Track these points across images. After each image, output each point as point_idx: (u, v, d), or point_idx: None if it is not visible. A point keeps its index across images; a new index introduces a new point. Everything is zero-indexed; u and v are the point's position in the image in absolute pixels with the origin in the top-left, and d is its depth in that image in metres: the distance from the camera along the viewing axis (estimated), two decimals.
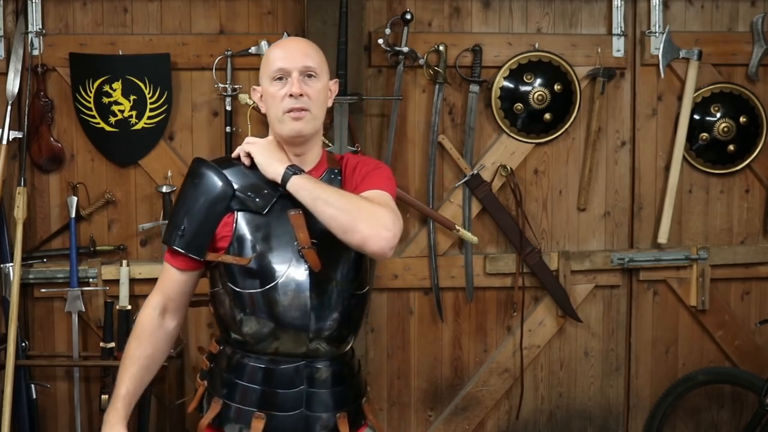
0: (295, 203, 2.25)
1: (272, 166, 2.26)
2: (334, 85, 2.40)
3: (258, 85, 2.38)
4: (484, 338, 4.24)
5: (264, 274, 2.26)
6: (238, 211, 2.27)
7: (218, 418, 2.31)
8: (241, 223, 2.27)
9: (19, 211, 3.79)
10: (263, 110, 2.36)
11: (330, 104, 2.38)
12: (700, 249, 4.24)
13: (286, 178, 2.23)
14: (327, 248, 2.26)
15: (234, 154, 2.37)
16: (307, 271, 2.26)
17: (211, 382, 2.37)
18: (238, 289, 2.27)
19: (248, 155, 2.31)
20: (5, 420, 3.63)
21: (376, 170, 2.38)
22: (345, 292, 2.32)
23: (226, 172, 2.31)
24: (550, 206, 4.22)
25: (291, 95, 2.26)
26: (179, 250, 2.29)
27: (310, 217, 2.24)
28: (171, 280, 2.35)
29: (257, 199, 2.28)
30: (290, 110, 2.26)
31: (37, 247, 3.96)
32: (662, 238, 4.19)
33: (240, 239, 2.27)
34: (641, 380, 4.32)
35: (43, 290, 3.91)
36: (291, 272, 2.25)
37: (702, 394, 4.33)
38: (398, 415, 4.22)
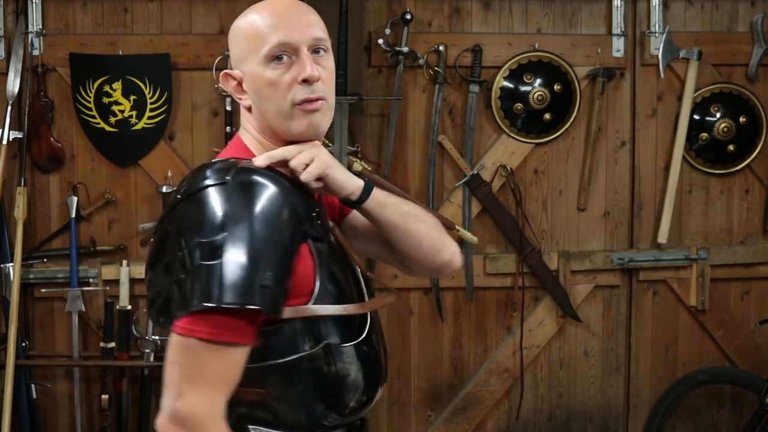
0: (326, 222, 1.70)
1: (349, 178, 1.68)
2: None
3: (230, 68, 1.74)
4: (484, 338, 4.24)
5: (355, 316, 1.67)
6: (313, 240, 1.61)
7: None
8: (318, 256, 1.61)
9: (19, 211, 3.79)
10: (245, 103, 1.70)
11: None
12: (700, 249, 4.24)
13: (366, 194, 1.69)
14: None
15: (261, 162, 1.62)
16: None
17: None
18: (344, 345, 1.62)
19: (318, 177, 1.64)
20: (5, 420, 3.63)
21: None
22: None
23: (287, 181, 1.61)
24: (550, 206, 4.22)
25: (305, 80, 1.62)
26: (266, 312, 1.50)
27: None
28: (237, 365, 1.52)
29: (319, 221, 1.64)
30: (303, 101, 1.62)
31: (37, 247, 3.96)
32: (662, 238, 4.19)
33: (328, 278, 1.62)
34: (641, 380, 4.32)
35: (43, 290, 3.91)
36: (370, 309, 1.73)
37: (702, 394, 4.33)
38: (398, 415, 4.22)
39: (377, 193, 1.70)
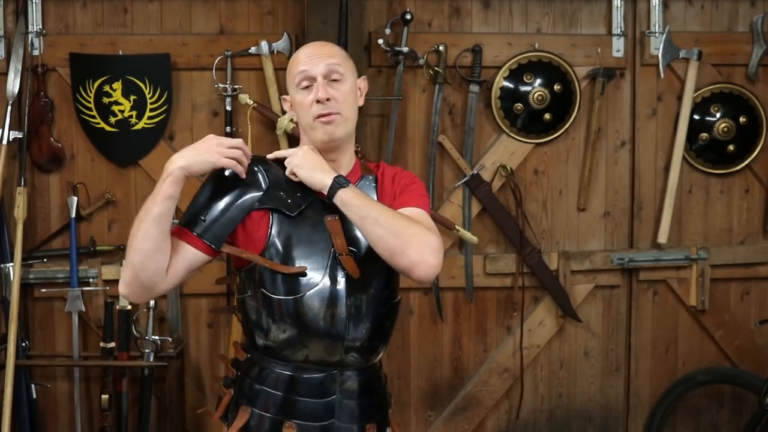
0: (331, 208, 2.18)
1: (317, 177, 2.18)
2: (363, 83, 2.35)
3: (287, 94, 2.33)
4: (484, 338, 4.24)
5: (300, 280, 2.18)
6: (273, 212, 2.20)
7: (245, 428, 2.22)
8: (276, 225, 2.19)
9: (20, 211, 3.79)
10: (295, 119, 2.31)
11: (361, 103, 2.32)
12: (700, 249, 4.24)
13: (332, 192, 2.15)
14: (362, 255, 2.21)
15: (271, 156, 2.28)
16: (344, 279, 2.20)
17: (238, 391, 2.27)
18: (272, 296, 2.19)
19: (291, 172, 2.22)
20: (5, 420, 3.63)
21: (414, 185, 2.34)
22: (379, 301, 2.26)
23: (259, 168, 2.23)
24: (550, 206, 4.22)
25: (318, 101, 2.20)
26: (197, 236, 2.17)
27: (345, 223, 2.18)
28: (175, 248, 2.18)
29: (289, 201, 2.21)
30: (319, 116, 2.21)
31: (37, 247, 3.96)
32: (662, 238, 4.19)
33: (276, 242, 2.19)
34: (641, 380, 4.32)
35: (43, 290, 3.91)
36: (327, 279, 2.19)
37: (702, 394, 4.34)
38: (398, 415, 4.21)
39: (343, 194, 2.14)
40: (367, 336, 2.23)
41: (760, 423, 3.88)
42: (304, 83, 2.23)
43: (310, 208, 2.21)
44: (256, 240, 2.19)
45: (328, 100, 2.20)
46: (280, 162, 2.25)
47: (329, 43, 2.35)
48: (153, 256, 2.12)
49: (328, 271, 2.19)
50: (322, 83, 2.21)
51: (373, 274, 2.23)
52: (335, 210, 2.17)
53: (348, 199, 2.14)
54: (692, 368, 4.29)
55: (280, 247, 2.18)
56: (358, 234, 2.20)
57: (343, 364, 2.23)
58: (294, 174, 2.20)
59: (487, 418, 4.27)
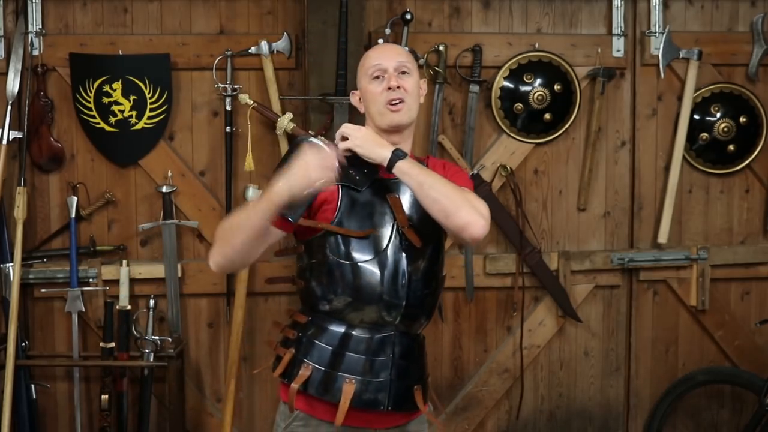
0: (391, 187, 2.46)
1: (376, 151, 2.42)
2: (423, 84, 2.63)
3: (356, 89, 2.60)
4: (484, 338, 4.24)
5: (367, 247, 2.42)
6: (341, 185, 2.43)
7: (306, 383, 2.43)
8: (346, 196, 2.44)
9: (19, 211, 3.79)
10: (362, 110, 2.57)
11: (422, 101, 2.59)
12: (700, 249, 4.24)
13: (392, 162, 2.39)
14: (418, 231, 2.45)
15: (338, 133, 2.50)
16: (405, 250, 2.44)
17: (299, 349, 2.47)
18: (341, 261, 2.42)
19: (347, 149, 2.43)
20: (5, 420, 3.64)
21: (462, 173, 2.63)
22: (431, 273, 2.52)
23: (331, 146, 2.43)
24: (550, 206, 4.22)
25: (389, 88, 2.48)
26: (280, 216, 2.36)
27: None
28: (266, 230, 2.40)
29: (357, 177, 2.45)
30: (389, 102, 2.48)
31: (37, 247, 3.96)
32: (662, 238, 4.19)
33: (346, 212, 2.43)
34: (641, 380, 4.32)
35: (43, 290, 3.91)
36: (391, 248, 2.43)
37: (702, 394, 4.34)
38: None
39: (402, 165, 2.38)
40: (420, 304, 2.48)
41: (760, 423, 3.88)
42: (377, 74, 2.50)
43: (375, 186, 2.46)
44: (327, 211, 2.44)
45: (398, 87, 2.48)
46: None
47: (399, 46, 2.80)
48: (250, 252, 2.38)
49: (392, 240, 2.43)
50: (394, 74, 2.50)
51: (426, 248, 2.48)
52: (395, 190, 2.46)
53: (406, 168, 2.38)
54: (692, 368, 4.29)
55: (348, 219, 2.43)
56: (415, 212, 2.45)
57: (398, 328, 2.46)
58: (349, 150, 2.43)
59: (487, 418, 4.27)
